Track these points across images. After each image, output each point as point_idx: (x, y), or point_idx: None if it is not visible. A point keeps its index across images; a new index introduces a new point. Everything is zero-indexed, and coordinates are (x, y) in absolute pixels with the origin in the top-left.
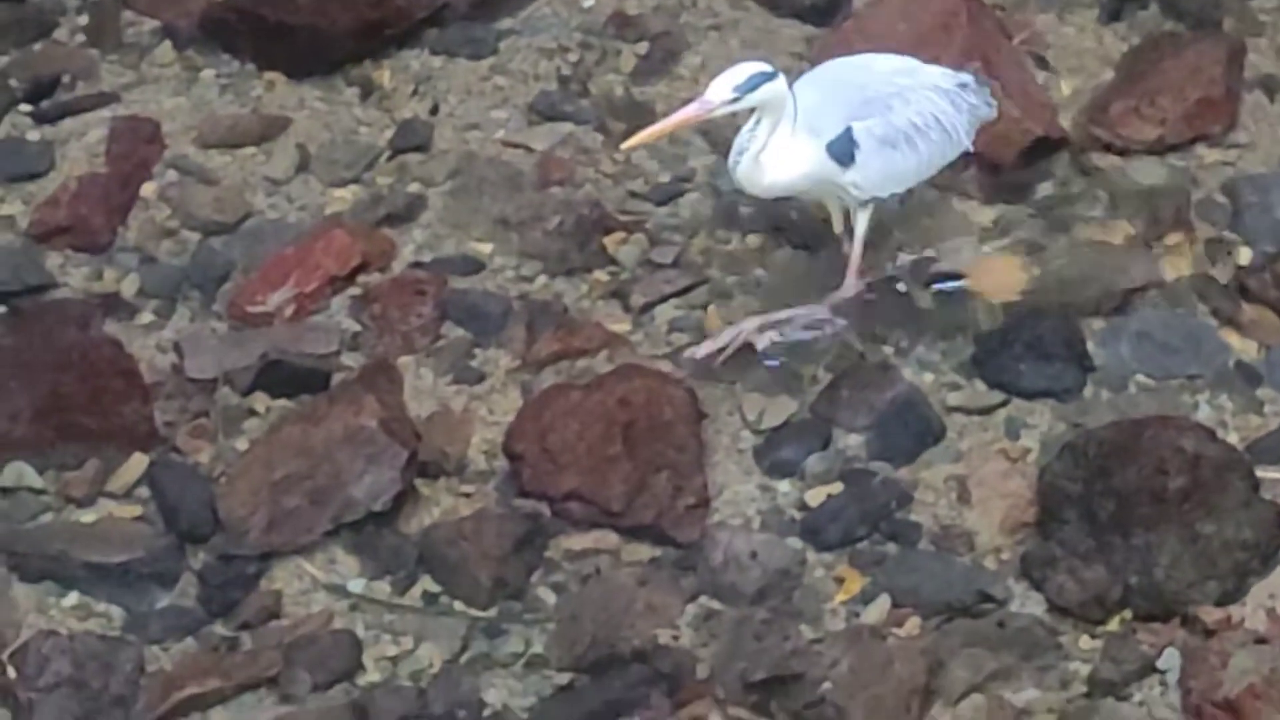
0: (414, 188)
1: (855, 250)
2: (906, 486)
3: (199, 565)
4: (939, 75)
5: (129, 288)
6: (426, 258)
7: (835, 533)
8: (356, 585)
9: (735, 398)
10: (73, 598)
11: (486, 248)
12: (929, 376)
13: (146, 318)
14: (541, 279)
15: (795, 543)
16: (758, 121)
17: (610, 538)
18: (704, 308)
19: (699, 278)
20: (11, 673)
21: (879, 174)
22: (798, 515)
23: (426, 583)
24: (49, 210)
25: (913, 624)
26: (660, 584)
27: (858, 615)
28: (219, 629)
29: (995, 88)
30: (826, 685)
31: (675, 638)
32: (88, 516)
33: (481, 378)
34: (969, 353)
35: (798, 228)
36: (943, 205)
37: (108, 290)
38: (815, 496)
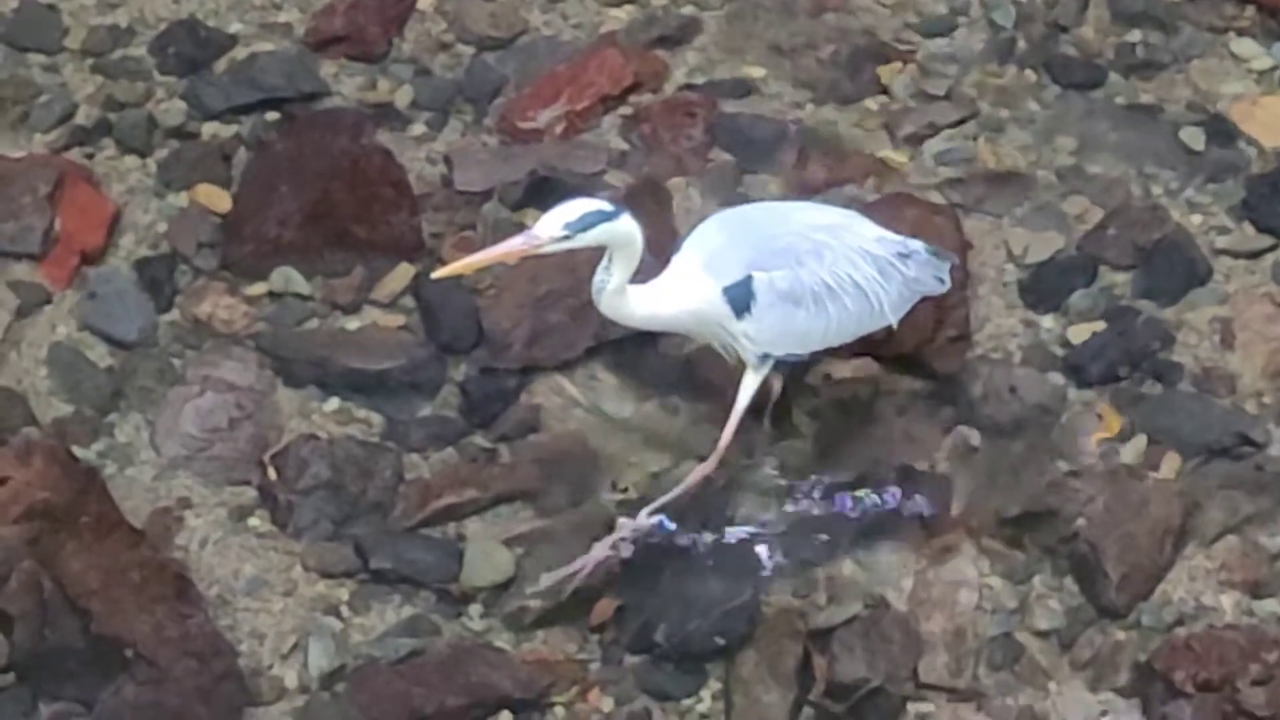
0: (689, 10)
1: (732, 420)
2: (1170, 327)
3: (460, 377)
4: (873, 239)
5: (402, 99)
6: (699, 80)
7: (1096, 370)
8: (614, 404)
9: (1002, 231)
10: (334, 403)
11: (759, 73)
12: (1197, 218)
13: (418, 129)
14: (812, 106)
15: (1056, 378)
16: (610, 259)
17: (870, 366)
18: (975, 140)
19: (970, 110)
20: (273, 474)
21: (775, 330)
22: (1060, 351)
23: (683, 403)
24: (326, 19)
25: (1170, 465)
26: (919, 414)
27: (1115, 454)
28: (478, 440)
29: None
30: (1080, 522)
31: (931, 468)
32: (352, 324)
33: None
34: (1239, 196)
35: (1075, 63)
36: (1217, 46)
37: (381, 100)
38: (1078, 333)
